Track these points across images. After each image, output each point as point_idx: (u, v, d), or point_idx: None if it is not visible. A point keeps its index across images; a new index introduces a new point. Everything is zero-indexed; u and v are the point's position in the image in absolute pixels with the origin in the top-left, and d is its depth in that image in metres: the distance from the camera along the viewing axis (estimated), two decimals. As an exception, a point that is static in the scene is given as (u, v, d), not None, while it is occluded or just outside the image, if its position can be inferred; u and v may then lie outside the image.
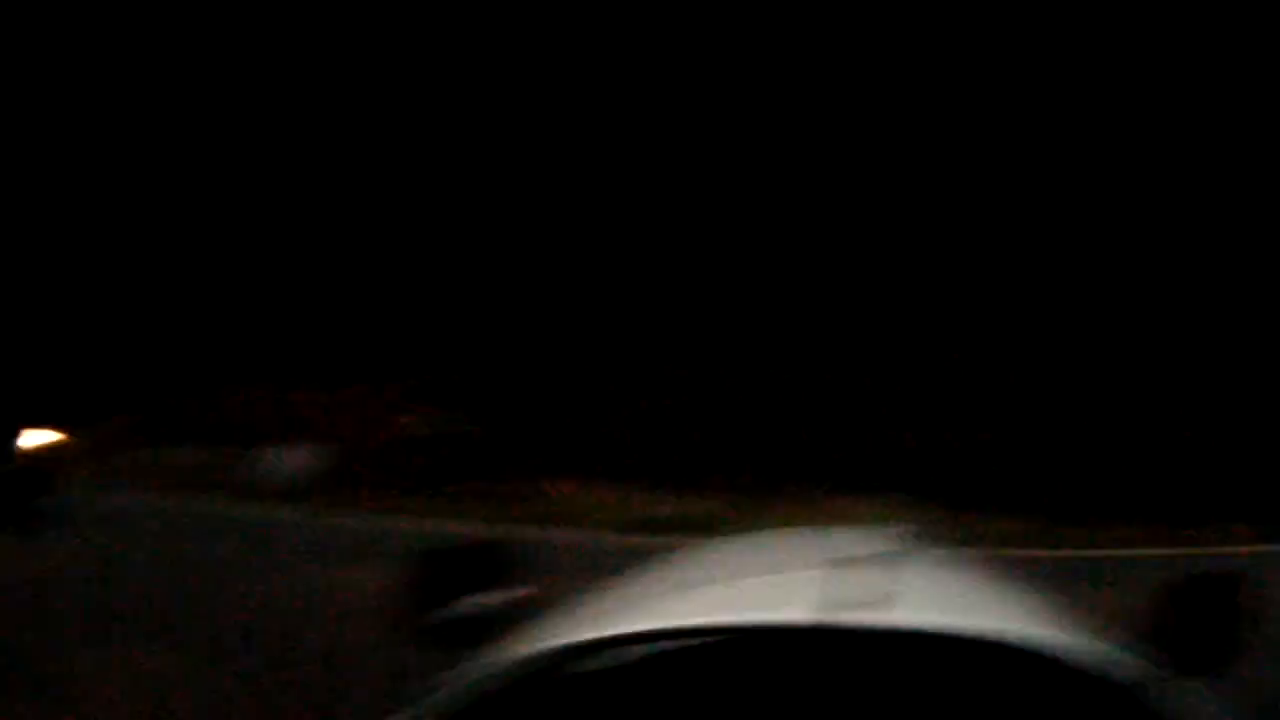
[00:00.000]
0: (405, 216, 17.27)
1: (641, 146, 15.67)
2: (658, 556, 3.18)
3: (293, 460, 13.85)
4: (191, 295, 18.00)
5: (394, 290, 17.03)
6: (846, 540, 2.69)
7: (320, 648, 6.03)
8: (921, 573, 2.51)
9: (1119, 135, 13.76)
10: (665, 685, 2.10)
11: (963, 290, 13.77)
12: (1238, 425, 11.49)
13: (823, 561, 2.29)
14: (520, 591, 3.12)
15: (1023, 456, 11.83)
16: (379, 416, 15.57)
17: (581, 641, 2.09)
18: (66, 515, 10.67)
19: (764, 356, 13.99)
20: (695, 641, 2.11)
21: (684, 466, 12.43)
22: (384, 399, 15.99)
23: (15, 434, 12.10)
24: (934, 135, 14.48)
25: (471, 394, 15.34)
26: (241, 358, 16.93)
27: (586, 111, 15.87)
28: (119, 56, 17.21)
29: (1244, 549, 10.37)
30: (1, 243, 17.69)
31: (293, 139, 17.76)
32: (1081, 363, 13.03)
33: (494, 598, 3.05)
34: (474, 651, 2.24)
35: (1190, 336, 12.66)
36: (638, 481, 12.52)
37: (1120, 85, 13.82)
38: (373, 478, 13.74)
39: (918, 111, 14.52)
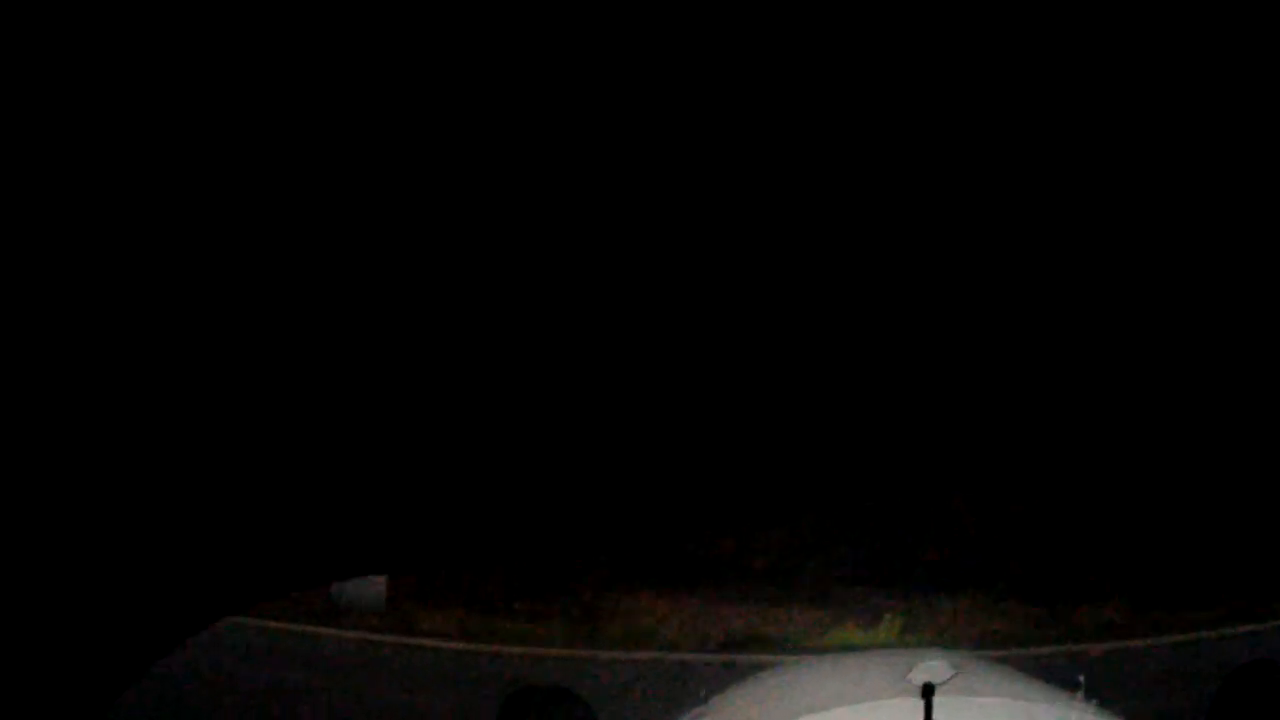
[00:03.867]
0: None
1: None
2: (741, 681, 3.33)
3: (373, 584, 13.71)
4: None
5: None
6: (915, 661, 2.80)
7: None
8: (991, 692, 2.70)
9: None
10: None
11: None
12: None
13: (904, 687, 2.45)
14: None
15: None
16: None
17: None
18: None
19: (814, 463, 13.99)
20: None
21: (758, 580, 12.34)
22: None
23: None
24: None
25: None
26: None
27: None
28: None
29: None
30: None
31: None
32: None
33: None
34: None
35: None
36: (710, 596, 12.42)
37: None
38: (445, 600, 13.65)
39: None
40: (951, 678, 2.42)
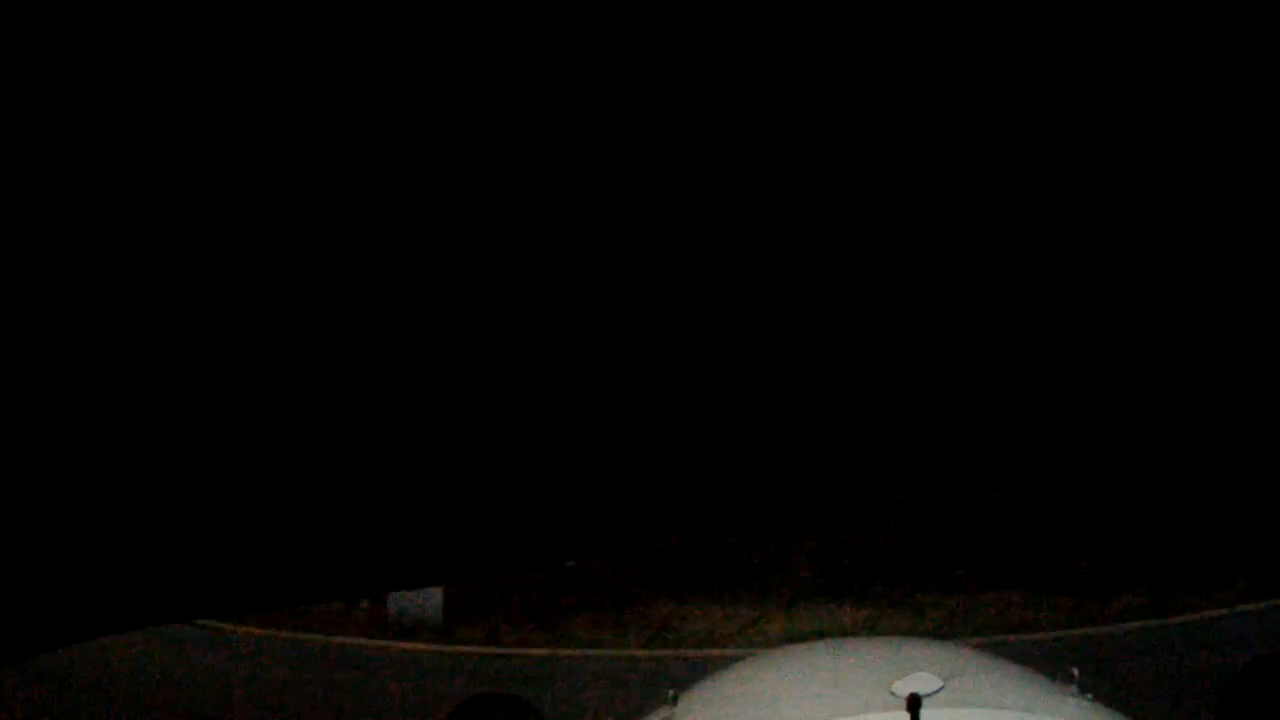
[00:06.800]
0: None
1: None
2: (709, 679, 3.34)
3: (425, 598, 14.08)
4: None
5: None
6: (902, 652, 2.84)
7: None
8: (981, 701, 2.58)
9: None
10: None
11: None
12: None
13: (886, 697, 2.33)
14: None
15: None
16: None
17: None
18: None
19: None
20: None
21: (800, 583, 12.75)
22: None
23: None
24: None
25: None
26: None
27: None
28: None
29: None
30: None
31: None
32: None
33: None
34: None
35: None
36: (752, 598, 12.91)
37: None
38: (500, 611, 14.03)
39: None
40: (939, 689, 2.29)
